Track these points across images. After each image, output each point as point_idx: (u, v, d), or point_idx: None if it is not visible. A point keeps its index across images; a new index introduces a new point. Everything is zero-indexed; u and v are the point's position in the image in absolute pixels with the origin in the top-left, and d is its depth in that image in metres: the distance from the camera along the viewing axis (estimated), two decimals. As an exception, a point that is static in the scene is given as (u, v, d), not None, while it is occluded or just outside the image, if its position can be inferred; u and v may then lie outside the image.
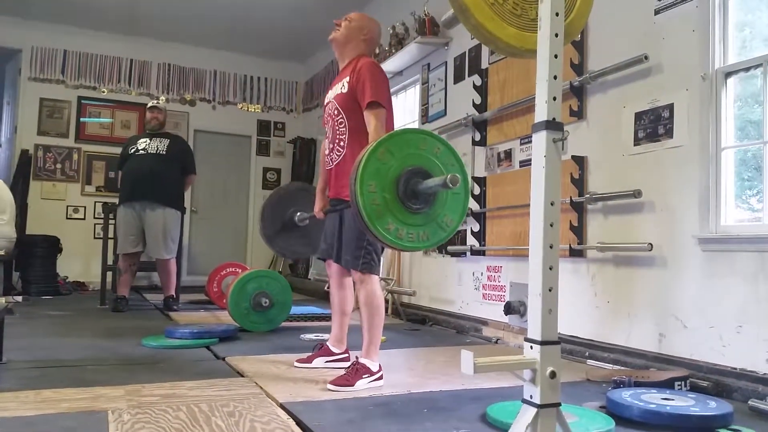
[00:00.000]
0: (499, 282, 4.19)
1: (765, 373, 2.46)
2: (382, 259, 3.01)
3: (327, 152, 2.85)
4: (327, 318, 4.27)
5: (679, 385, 2.55)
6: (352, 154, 2.61)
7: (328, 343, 3.02)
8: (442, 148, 2.17)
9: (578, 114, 3.51)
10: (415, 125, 5.53)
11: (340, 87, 2.77)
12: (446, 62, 5.01)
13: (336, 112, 2.76)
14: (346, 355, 2.97)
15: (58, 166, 7.35)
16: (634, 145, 3.16)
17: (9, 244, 5.13)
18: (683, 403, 2.18)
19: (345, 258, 2.69)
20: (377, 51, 5.89)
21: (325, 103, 2.92)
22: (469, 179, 4.40)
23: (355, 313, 2.99)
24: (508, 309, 3.86)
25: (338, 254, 2.77)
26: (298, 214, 3.32)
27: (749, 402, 2.35)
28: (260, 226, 3.41)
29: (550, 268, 1.46)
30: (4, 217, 5.05)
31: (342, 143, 2.73)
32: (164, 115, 5.41)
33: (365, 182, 2.02)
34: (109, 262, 5.64)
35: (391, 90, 6.00)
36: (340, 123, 2.73)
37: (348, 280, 2.90)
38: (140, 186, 5.10)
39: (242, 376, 2.74)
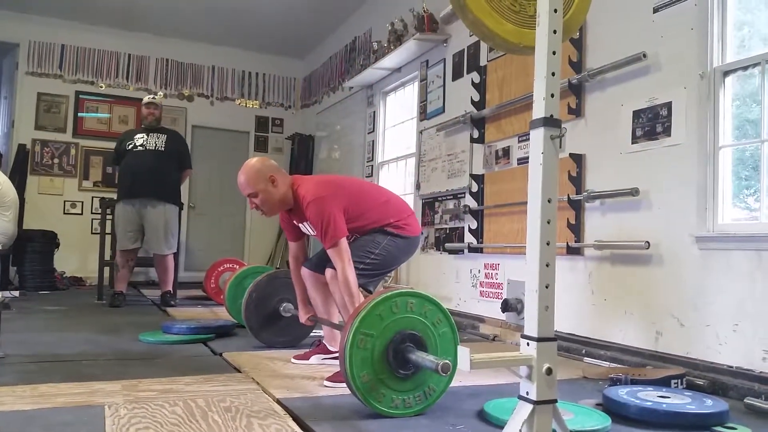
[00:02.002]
0: (496, 279, 4.19)
1: (761, 372, 2.46)
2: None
3: None
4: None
5: (675, 383, 2.55)
6: (370, 232, 2.81)
7: (324, 341, 3.03)
8: (414, 301, 2.13)
9: (576, 112, 3.51)
10: (414, 123, 5.54)
11: (312, 228, 2.78)
12: (445, 59, 5.01)
13: None
14: (343, 352, 2.97)
15: (56, 161, 7.34)
16: (632, 143, 3.17)
17: (8, 240, 5.13)
18: (679, 400, 2.19)
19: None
20: (375, 47, 5.90)
21: (309, 234, 2.92)
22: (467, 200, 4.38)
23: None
24: (506, 306, 3.86)
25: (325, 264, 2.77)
26: (284, 305, 3.33)
27: (745, 400, 2.36)
28: (245, 322, 3.38)
29: (547, 265, 1.46)
30: (8, 214, 5.05)
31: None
32: (160, 110, 5.40)
33: (357, 375, 2.02)
34: (107, 257, 5.63)
35: (390, 86, 6.04)
36: (349, 236, 2.78)
37: (323, 278, 2.86)
38: (140, 182, 5.09)
39: (239, 371, 2.74)
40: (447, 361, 1.91)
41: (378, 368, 2.06)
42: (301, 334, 3.48)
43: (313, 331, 3.87)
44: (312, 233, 2.83)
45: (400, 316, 2.10)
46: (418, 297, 2.16)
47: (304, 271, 2.95)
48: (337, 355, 2.94)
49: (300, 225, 2.90)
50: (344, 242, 2.62)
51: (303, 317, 3.04)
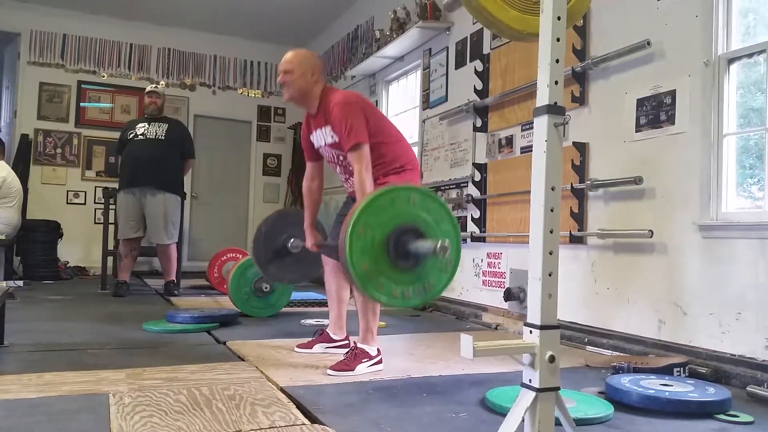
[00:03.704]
0: (499, 268, 4.19)
1: (763, 360, 2.47)
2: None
3: (343, 180, 2.89)
4: (327, 304, 4.29)
5: (677, 372, 2.56)
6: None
7: (327, 329, 3.03)
8: (416, 196, 2.11)
9: (580, 100, 3.49)
10: (416, 112, 5.52)
11: (329, 136, 2.75)
12: (448, 47, 4.98)
13: (342, 158, 2.77)
14: (347, 341, 2.98)
15: (58, 150, 7.34)
16: (636, 131, 3.15)
17: (12, 230, 5.15)
18: (682, 389, 2.19)
19: None
20: (378, 36, 5.87)
21: (316, 146, 2.89)
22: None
23: (352, 298, 3.00)
24: (508, 295, 3.87)
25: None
26: (292, 240, 3.33)
27: (747, 388, 2.36)
28: (253, 257, 3.38)
29: (550, 253, 1.45)
30: (12, 204, 5.06)
31: None
32: (163, 99, 5.39)
33: (356, 265, 2.01)
34: (110, 247, 5.65)
35: (392, 75, 6.01)
36: (349, 164, 2.73)
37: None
38: (140, 171, 5.09)
39: (243, 360, 2.75)
40: (446, 240, 1.92)
41: (378, 258, 2.03)
42: (307, 273, 3.48)
43: (317, 320, 3.89)
44: (325, 142, 2.78)
45: (401, 209, 2.08)
46: (421, 193, 2.14)
47: (325, 259, 2.94)
48: (340, 344, 2.96)
49: (316, 133, 2.84)
50: (366, 148, 2.59)
51: (309, 242, 3.02)
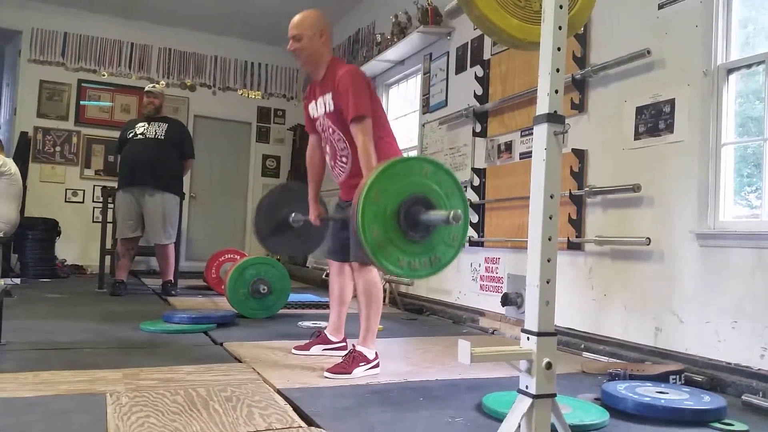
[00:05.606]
0: (496, 273, 4.20)
1: (759, 369, 2.48)
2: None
3: (331, 165, 2.86)
4: (325, 306, 4.29)
5: (673, 379, 2.57)
6: (358, 166, 2.66)
7: (326, 331, 3.04)
8: (430, 167, 2.14)
9: (579, 107, 3.51)
10: (416, 115, 5.53)
11: (327, 105, 2.74)
12: (448, 52, 4.99)
13: (331, 131, 2.76)
14: (344, 343, 2.99)
15: (58, 148, 7.34)
16: (635, 139, 3.17)
17: (10, 228, 5.15)
18: (677, 396, 2.20)
19: (353, 252, 2.68)
20: (379, 40, 5.89)
21: (312, 116, 2.89)
22: (468, 179, 4.41)
23: (353, 301, 3.01)
24: (506, 300, 3.88)
25: (345, 251, 2.77)
26: (293, 215, 3.34)
27: (743, 397, 2.37)
28: (254, 228, 3.40)
29: (548, 260, 1.46)
30: (13, 202, 5.06)
31: (345, 159, 2.75)
32: (161, 99, 5.38)
33: (368, 229, 2.02)
34: (108, 246, 5.64)
35: (393, 79, 6.03)
36: (338, 140, 2.74)
37: (348, 267, 2.91)
38: (139, 171, 5.09)
39: (240, 361, 2.75)
40: (458, 210, 1.96)
41: (388, 225, 2.05)
42: (306, 248, 3.49)
43: (314, 322, 3.90)
44: (325, 111, 2.76)
45: (415, 179, 2.11)
46: (435, 165, 2.17)
47: (331, 261, 2.93)
48: (338, 345, 2.97)
49: (318, 101, 2.82)
50: (369, 121, 2.59)
51: (313, 214, 3.02)
